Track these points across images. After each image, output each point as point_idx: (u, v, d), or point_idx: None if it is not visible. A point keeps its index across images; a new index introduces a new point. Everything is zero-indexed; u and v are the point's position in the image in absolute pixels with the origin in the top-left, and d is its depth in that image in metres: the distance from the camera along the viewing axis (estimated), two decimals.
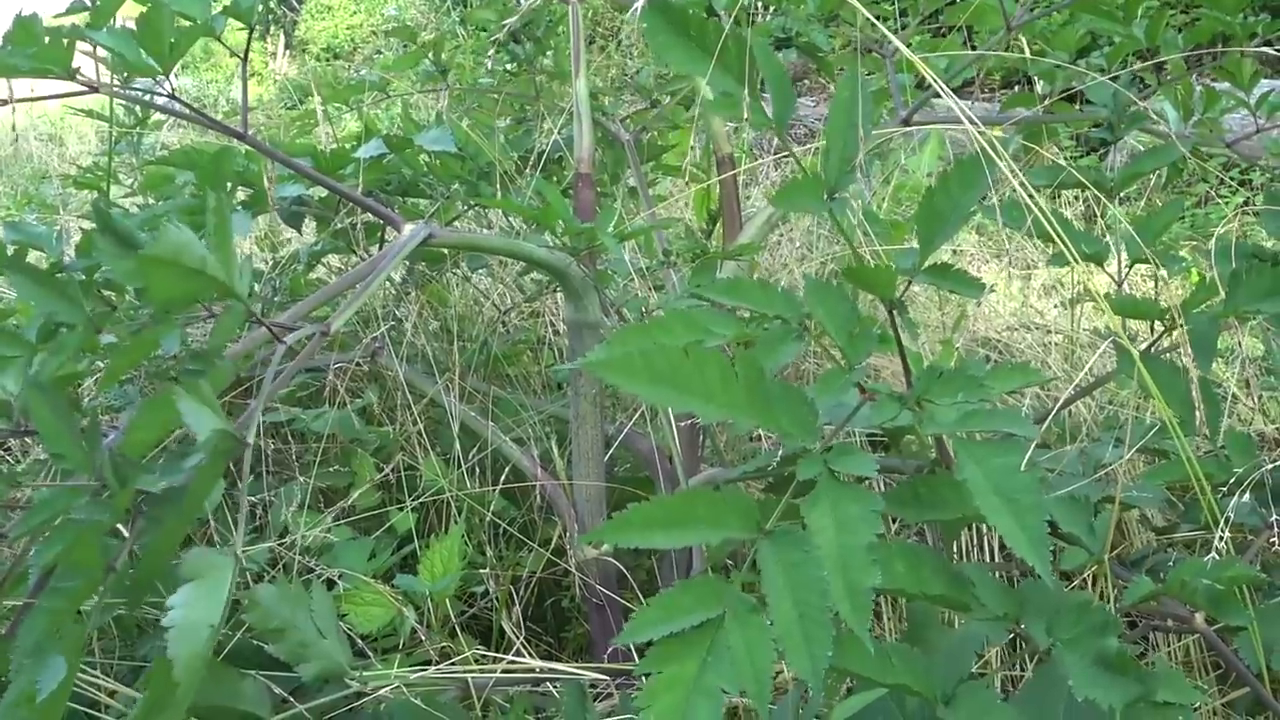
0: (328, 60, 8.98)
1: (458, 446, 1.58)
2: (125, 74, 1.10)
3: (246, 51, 1.09)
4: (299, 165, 1.28)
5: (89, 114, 2.38)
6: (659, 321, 0.85)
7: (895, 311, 0.97)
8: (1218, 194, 4.07)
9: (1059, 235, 1.14)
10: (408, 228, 1.11)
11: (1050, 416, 1.25)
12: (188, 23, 1.05)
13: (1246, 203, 3.83)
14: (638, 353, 0.74)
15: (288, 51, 9.14)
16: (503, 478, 1.58)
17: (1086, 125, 1.95)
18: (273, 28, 8.59)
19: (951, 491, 0.86)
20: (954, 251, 2.92)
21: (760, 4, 1.98)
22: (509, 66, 1.88)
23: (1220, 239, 1.26)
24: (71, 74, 1.01)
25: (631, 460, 1.71)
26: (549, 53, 1.75)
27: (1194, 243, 2.63)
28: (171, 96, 1.05)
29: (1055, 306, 2.14)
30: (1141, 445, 1.14)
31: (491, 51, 1.80)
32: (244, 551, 1.35)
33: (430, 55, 1.78)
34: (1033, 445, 0.81)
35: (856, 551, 0.72)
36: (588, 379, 1.36)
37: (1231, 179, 4.02)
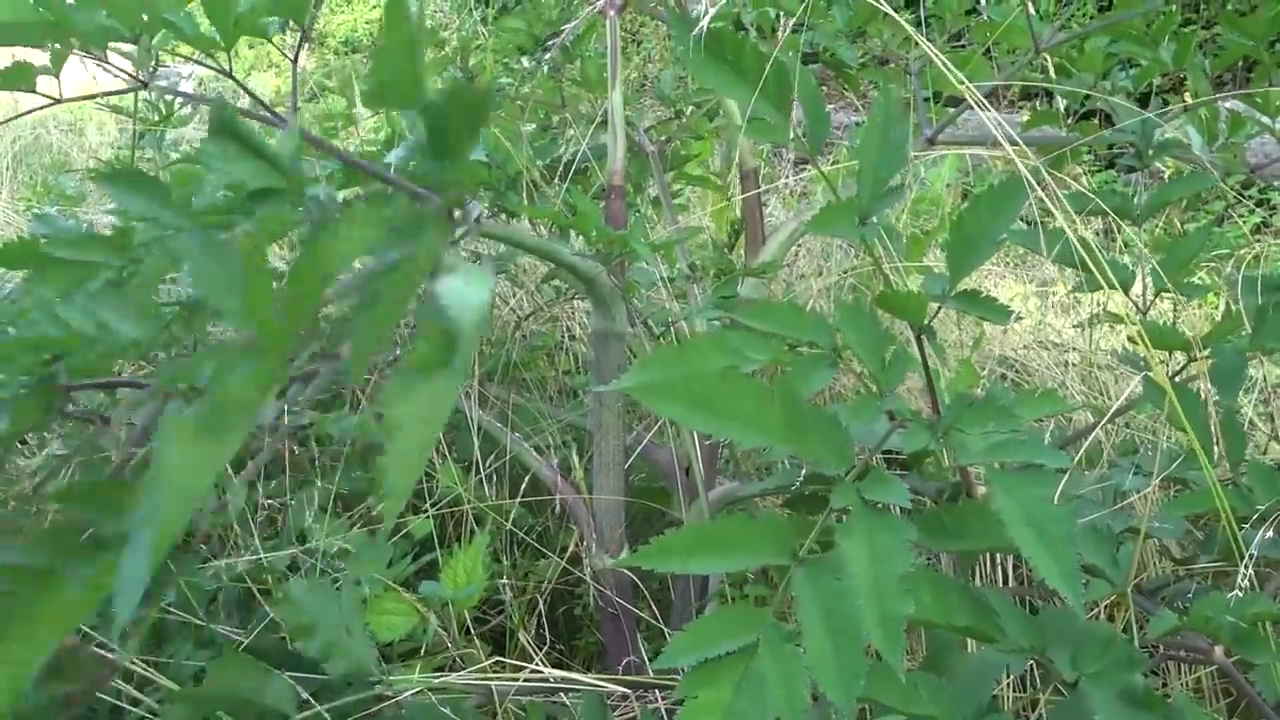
0: (347, 53, 8.99)
1: (476, 453, 1.59)
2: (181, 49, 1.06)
3: (298, 53, 1.08)
4: (362, 163, 1.28)
5: (113, 109, 2.39)
6: (692, 345, 0.86)
7: (924, 337, 0.98)
8: (1235, 212, 4.07)
9: (1093, 263, 1.15)
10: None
11: (1072, 442, 1.25)
12: None
13: (1264, 223, 3.83)
14: (676, 378, 0.74)
15: (306, 44, 9.13)
16: (522, 486, 1.59)
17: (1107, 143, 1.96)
18: (292, 21, 8.59)
19: (977, 521, 0.87)
20: None
21: (784, 16, 1.98)
22: (531, 66, 1.89)
23: (1243, 268, 1.26)
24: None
25: (647, 470, 1.71)
26: (576, 61, 1.76)
27: (1211, 264, 2.62)
28: (244, 89, 1.02)
29: (1073, 326, 2.14)
30: (1163, 474, 1.14)
31: (523, 59, 1.81)
32: (264, 557, 1.36)
33: (457, 61, 1.79)
34: (1064, 478, 0.82)
35: (890, 581, 0.72)
36: (610, 393, 1.37)
37: (1249, 197, 4.02)
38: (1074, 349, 2.16)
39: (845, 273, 2.50)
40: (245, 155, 0.67)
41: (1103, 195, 1.24)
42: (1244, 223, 3.76)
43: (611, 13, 1.41)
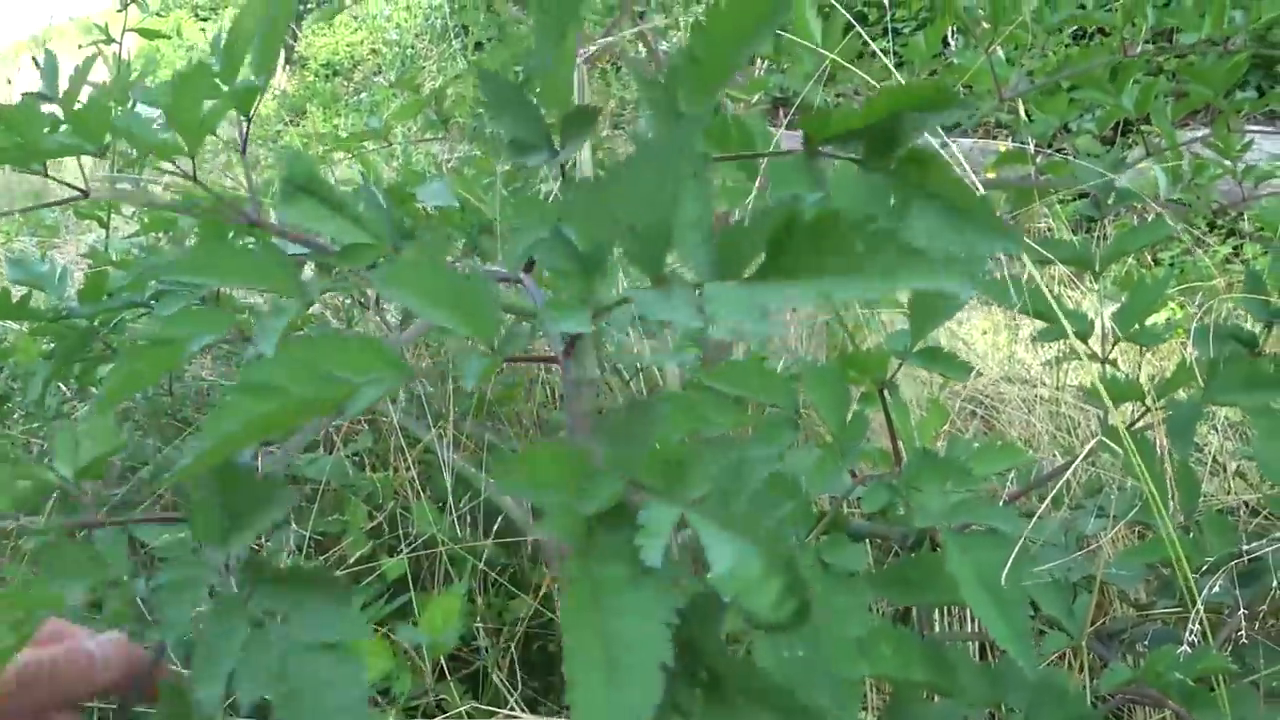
0: (327, 76, 9.01)
1: (450, 495, 1.60)
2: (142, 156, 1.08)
3: (245, 142, 1.08)
4: (321, 245, 1.29)
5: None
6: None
7: (885, 391, 1.00)
8: (1206, 240, 4.12)
9: (1054, 314, 1.17)
10: None
11: (1036, 487, 1.27)
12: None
13: (1236, 251, 3.87)
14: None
15: (287, 66, 9.16)
16: (495, 525, 1.60)
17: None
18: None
19: (941, 575, 0.89)
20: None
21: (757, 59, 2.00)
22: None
23: (1212, 304, 1.29)
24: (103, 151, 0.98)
25: None
26: None
27: (1181, 297, 2.66)
28: (193, 179, 1.03)
29: (1041, 363, 2.17)
30: (1125, 519, 1.16)
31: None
32: None
33: (432, 105, 1.81)
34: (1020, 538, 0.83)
35: (845, 644, 0.74)
36: (583, 435, 1.38)
37: (1221, 228, 4.06)
38: (1042, 383, 2.19)
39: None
40: (329, 215, 0.69)
41: (1061, 246, 1.26)
42: (1214, 253, 3.80)
43: (579, 62, 1.41)
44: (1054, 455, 1.90)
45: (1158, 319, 2.42)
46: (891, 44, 1.92)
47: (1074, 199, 4.60)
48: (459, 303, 0.54)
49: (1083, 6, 1.44)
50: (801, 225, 0.45)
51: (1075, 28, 1.52)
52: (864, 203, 0.57)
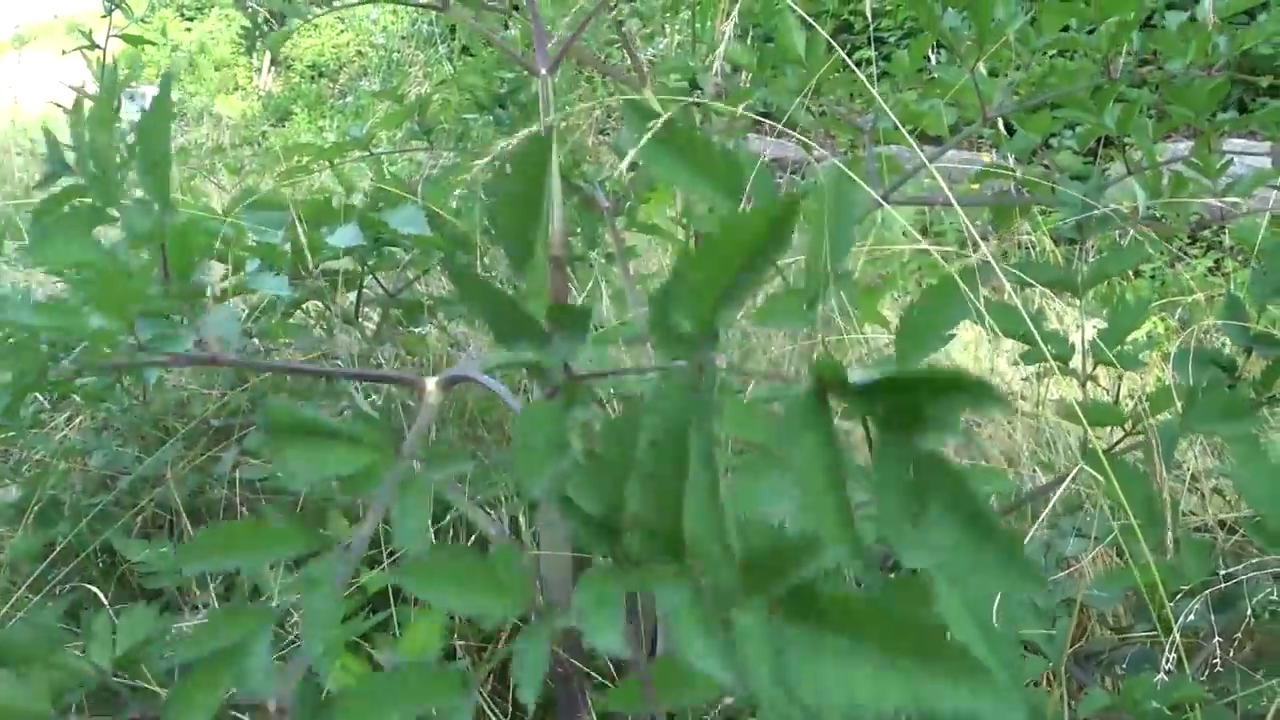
0: (312, 78, 9.00)
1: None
2: None
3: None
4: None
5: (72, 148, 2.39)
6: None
7: (869, 422, 1.00)
8: (1187, 252, 4.14)
9: (1033, 337, 1.17)
10: (431, 384, 1.11)
11: (1018, 507, 1.28)
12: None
13: (1217, 265, 3.90)
14: None
15: (273, 68, 9.15)
16: (472, 541, 1.59)
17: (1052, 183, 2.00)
18: (259, 44, 8.59)
19: (926, 606, 0.88)
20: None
21: (741, 71, 2.00)
22: (487, 121, 1.90)
23: (1184, 339, 1.29)
24: None
25: None
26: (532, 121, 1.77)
27: (1163, 310, 2.67)
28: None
29: (1022, 379, 2.17)
30: (1105, 542, 1.16)
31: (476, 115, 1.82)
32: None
33: (416, 115, 1.80)
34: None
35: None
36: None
37: (1203, 240, 4.08)
38: (1022, 398, 2.20)
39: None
40: (328, 445, 0.70)
41: (1044, 268, 1.27)
42: (1196, 263, 3.83)
43: (543, 71, 1.34)
44: (1034, 471, 1.90)
45: (1139, 334, 2.43)
46: (875, 53, 1.93)
47: (1054, 212, 4.62)
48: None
49: (1066, 29, 1.45)
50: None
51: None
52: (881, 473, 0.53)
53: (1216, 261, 3.90)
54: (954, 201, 1.43)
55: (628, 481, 0.56)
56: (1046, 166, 2.02)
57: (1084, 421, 1.07)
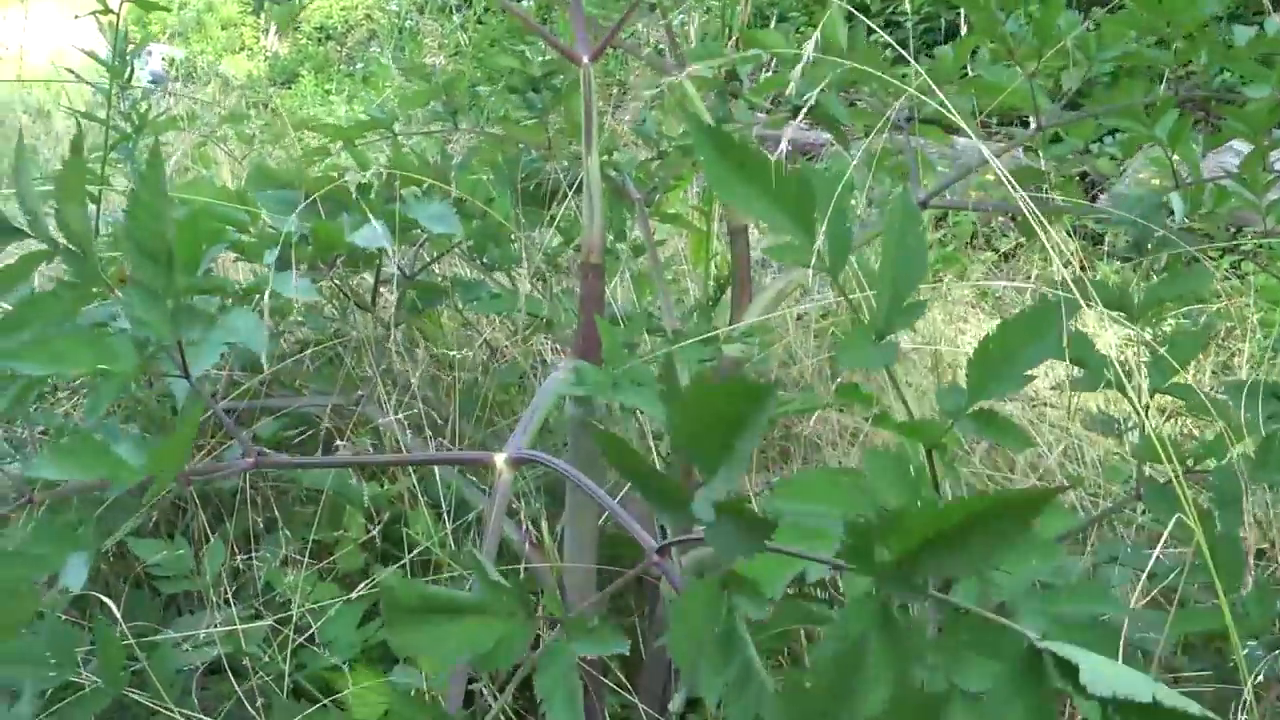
0: (319, 40, 8.87)
1: (443, 502, 1.55)
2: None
3: None
4: None
5: (85, 116, 2.33)
6: None
7: (934, 454, 0.95)
8: (1206, 253, 4.08)
9: (1090, 364, 1.13)
10: (500, 461, 1.07)
11: (1064, 539, 1.23)
12: None
13: (1235, 267, 3.85)
14: None
15: (279, 29, 9.01)
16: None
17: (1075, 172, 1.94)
18: (267, 4, 8.48)
19: None
20: (945, 297, 2.91)
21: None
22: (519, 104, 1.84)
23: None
24: None
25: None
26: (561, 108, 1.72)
27: (1184, 314, 2.62)
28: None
29: (1050, 387, 2.13)
30: (1165, 581, 1.12)
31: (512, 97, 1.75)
32: (240, 628, 1.31)
33: (442, 96, 1.75)
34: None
35: None
36: (588, 466, 1.33)
37: (1221, 240, 4.02)
38: (1050, 405, 2.16)
39: (821, 310, 2.48)
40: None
41: (1102, 288, 1.22)
42: (1216, 265, 3.78)
43: (585, 60, 1.29)
44: (1062, 481, 1.86)
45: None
46: (889, 37, 1.86)
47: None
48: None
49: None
50: None
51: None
52: None
53: (1235, 265, 3.86)
54: (987, 207, 1.38)
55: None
56: (1084, 175, 1.97)
57: (1141, 457, 1.03)
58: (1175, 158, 1.57)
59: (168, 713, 1.21)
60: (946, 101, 1.42)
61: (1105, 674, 0.50)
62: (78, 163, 0.97)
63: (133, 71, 2.32)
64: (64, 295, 1.01)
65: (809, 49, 1.34)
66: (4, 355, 0.94)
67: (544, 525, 1.56)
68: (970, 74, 1.73)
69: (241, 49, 9.00)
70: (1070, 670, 0.51)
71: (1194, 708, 0.48)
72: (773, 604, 1.04)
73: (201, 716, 1.23)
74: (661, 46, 1.93)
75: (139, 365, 0.97)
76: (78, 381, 1.87)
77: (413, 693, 1.22)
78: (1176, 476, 1.04)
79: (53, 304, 1.01)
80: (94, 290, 1.02)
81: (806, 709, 0.58)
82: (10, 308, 1.01)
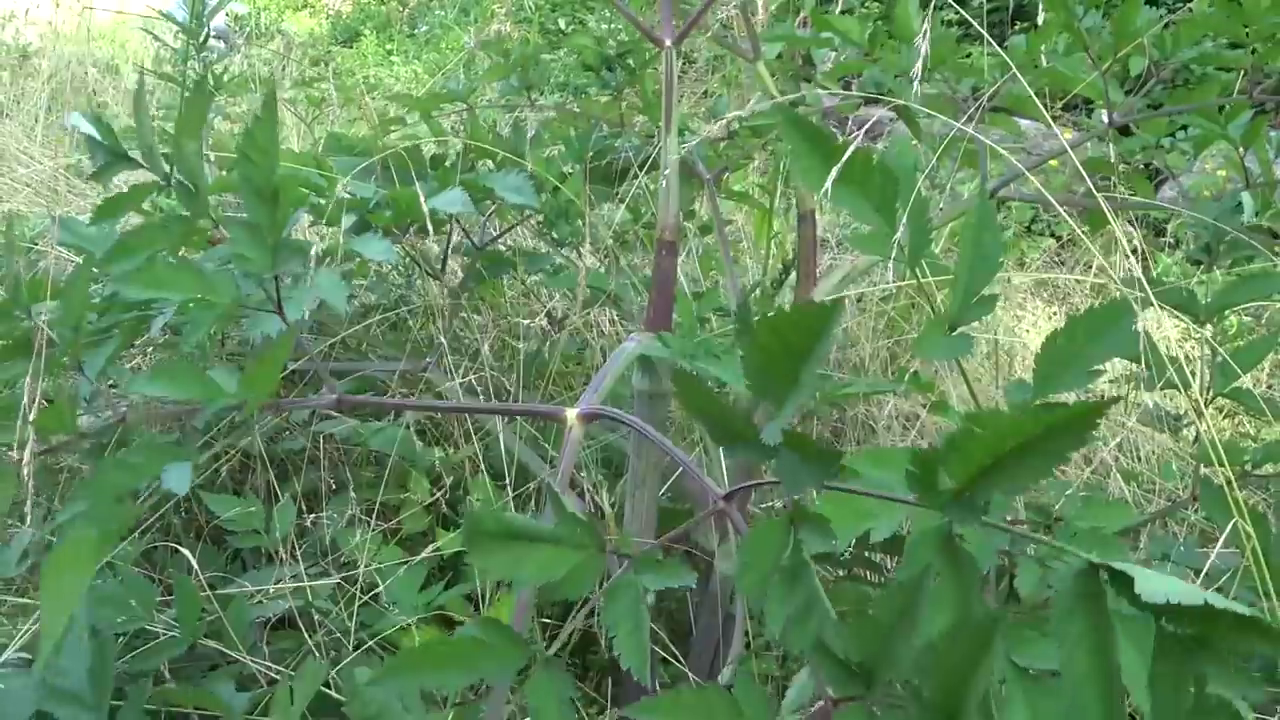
0: (382, 1, 8.92)
1: (507, 469, 1.58)
2: None
3: None
4: None
5: (162, 76, 2.37)
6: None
7: None
8: (1273, 252, 4.02)
9: (1157, 363, 1.14)
10: (572, 416, 1.08)
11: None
12: None
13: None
14: None
15: None
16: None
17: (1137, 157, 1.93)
18: None
19: None
20: (1005, 284, 2.90)
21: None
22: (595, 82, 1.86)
23: None
24: None
25: (673, 491, 1.70)
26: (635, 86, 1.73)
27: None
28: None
29: (1109, 381, 2.13)
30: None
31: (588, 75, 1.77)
32: (307, 585, 1.36)
33: (518, 71, 1.77)
34: None
35: None
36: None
37: None
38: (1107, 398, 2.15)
39: (883, 291, 2.49)
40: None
41: (1171, 292, 1.23)
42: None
43: (668, 42, 1.31)
44: (1114, 477, 1.87)
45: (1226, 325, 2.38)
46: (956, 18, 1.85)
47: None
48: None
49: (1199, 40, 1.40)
50: None
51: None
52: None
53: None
54: (1054, 202, 1.39)
55: (895, 645, 0.61)
56: (1151, 166, 1.96)
57: (1197, 459, 1.04)
58: (1246, 157, 1.56)
59: (240, 662, 1.26)
60: (1029, 91, 1.42)
61: (1158, 585, 0.54)
62: (199, 100, 1.02)
63: (208, 36, 2.36)
64: (172, 227, 1.06)
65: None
66: (113, 279, 1.00)
67: (603, 496, 1.60)
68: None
69: (304, 6, 9.07)
70: (1126, 582, 0.55)
71: (1242, 608, 0.51)
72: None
73: (273, 665, 1.27)
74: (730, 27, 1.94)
75: (235, 300, 1.02)
76: (148, 348, 1.92)
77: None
78: (1229, 482, 1.05)
79: (160, 235, 1.06)
80: (199, 224, 1.06)
81: (869, 634, 0.61)
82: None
